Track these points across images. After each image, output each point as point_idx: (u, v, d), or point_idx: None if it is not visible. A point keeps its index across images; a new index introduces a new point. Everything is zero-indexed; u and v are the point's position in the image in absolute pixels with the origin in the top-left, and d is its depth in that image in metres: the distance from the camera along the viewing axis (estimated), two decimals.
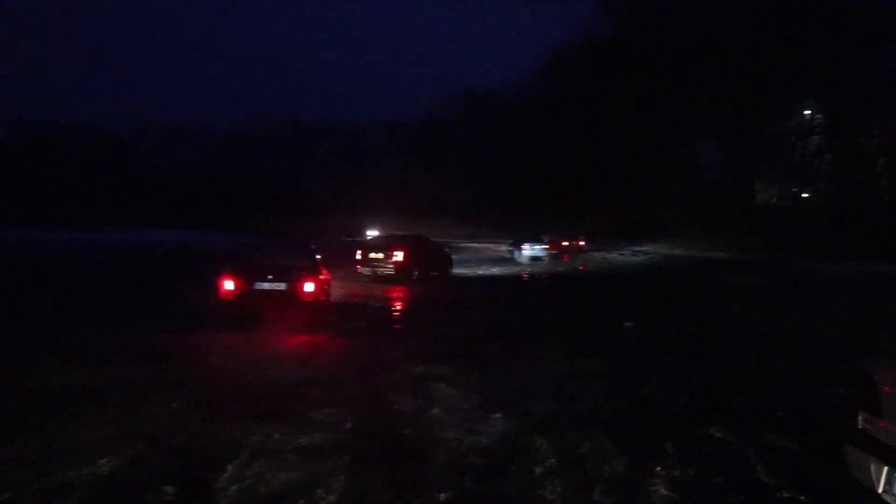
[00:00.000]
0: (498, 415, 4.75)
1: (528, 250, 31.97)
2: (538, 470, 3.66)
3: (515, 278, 19.59)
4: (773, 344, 8.33)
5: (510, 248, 35.08)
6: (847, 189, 26.21)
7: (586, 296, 14.72)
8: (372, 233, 61.18)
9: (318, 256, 10.08)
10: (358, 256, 17.28)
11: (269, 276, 8.78)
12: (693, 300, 13.34)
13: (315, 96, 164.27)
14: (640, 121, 42.07)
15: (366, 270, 16.86)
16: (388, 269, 16.37)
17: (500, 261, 29.80)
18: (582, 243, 42.45)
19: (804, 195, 36.99)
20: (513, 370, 6.40)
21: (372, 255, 16.78)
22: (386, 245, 16.93)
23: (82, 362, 6.34)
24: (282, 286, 8.73)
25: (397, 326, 9.46)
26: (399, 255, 16.35)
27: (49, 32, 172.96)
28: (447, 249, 20.84)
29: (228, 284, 8.69)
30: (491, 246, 34.54)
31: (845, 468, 2.64)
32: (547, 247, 34.75)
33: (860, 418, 2.61)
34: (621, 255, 33.92)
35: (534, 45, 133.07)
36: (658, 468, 3.66)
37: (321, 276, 9.32)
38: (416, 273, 16.75)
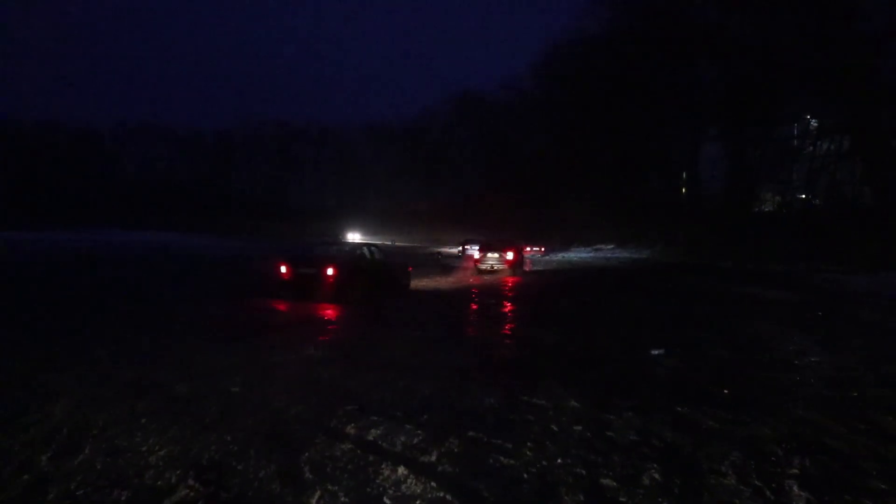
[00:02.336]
0: None
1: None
2: None
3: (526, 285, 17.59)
4: (865, 388, 6.26)
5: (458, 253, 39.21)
6: (876, 193, 24.37)
7: (594, 310, 12.66)
8: (353, 236, 59.33)
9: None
10: (477, 255, 23.41)
11: (306, 264, 12.56)
12: (719, 318, 11.30)
13: (305, 98, 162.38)
14: (636, 121, 40.27)
15: (484, 266, 22.82)
16: (502, 265, 22.59)
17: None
18: (528, 250, 39.78)
19: (815, 201, 35.13)
20: (515, 437, 4.29)
21: (489, 254, 22.88)
22: (500, 247, 23.01)
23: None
24: (313, 271, 12.22)
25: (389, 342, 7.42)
26: (511, 255, 22.68)
27: (36, 32, 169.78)
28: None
29: (283, 269, 12.53)
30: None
31: None
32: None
33: None
34: (622, 263, 31.91)
35: (528, 46, 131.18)
36: None
37: (345, 266, 12.48)
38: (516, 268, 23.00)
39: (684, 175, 45.34)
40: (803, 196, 39.31)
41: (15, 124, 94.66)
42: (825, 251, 26.79)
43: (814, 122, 35.94)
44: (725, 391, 5.77)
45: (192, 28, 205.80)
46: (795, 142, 37.09)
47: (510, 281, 19.51)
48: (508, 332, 9.08)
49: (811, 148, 33.52)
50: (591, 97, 42.25)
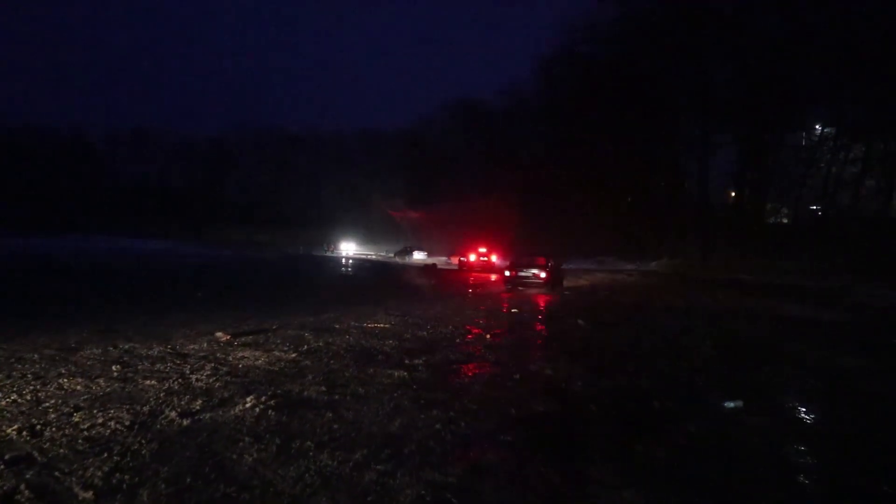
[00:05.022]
0: None
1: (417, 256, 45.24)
2: None
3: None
4: None
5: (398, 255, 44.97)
6: None
7: (623, 336, 10.50)
8: (348, 245, 57.09)
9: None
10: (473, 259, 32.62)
11: (528, 268, 19.53)
12: (782, 349, 9.13)
13: (301, 105, 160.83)
14: (643, 126, 38.28)
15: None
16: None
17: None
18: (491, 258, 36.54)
19: (831, 211, 33.02)
20: None
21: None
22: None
23: None
24: (530, 273, 19.61)
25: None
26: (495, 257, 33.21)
27: (25, 34, 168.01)
28: None
29: (508, 272, 20.02)
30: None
31: None
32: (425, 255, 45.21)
33: None
34: (630, 276, 29.76)
35: (528, 51, 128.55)
36: None
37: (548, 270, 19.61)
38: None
39: (685, 185, 43.30)
40: (814, 207, 37.46)
41: (3, 128, 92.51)
42: (852, 264, 24.81)
43: (828, 130, 34.01)
44: (885, 488, 3.65)
45: (186, 33, 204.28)
46: (804, 151, 35.16)
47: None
48: (526, 371, 6.93)
49: (830, 154, 31.47)
50: (596, 100, 40.21)
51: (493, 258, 36.16)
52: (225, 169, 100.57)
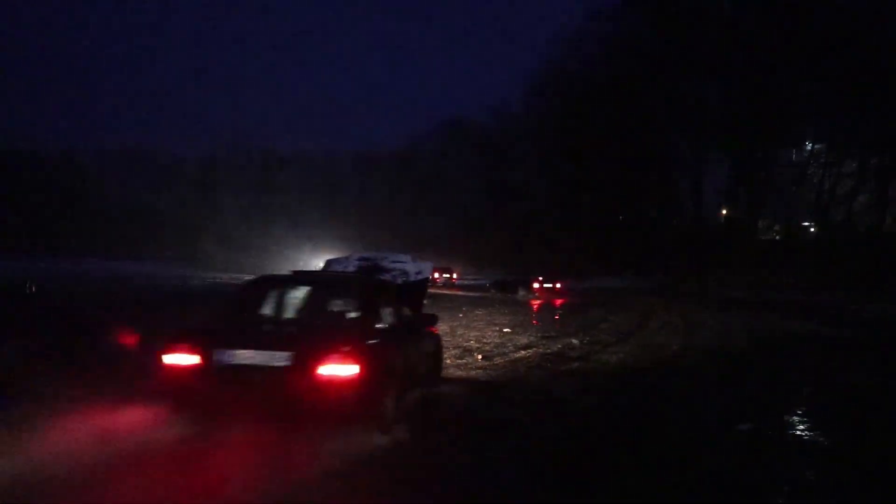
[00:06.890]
0: None
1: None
2: None
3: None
4: None
5: None
6: None
7: (621, 348, 10.06)
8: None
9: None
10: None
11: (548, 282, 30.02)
12: (792, 365, 8.76)
13: (291, 126, 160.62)
14: (635, 142, 38.29)
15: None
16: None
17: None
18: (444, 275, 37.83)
19: (824, 228, 32.99)
20: None
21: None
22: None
23: None
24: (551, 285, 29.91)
25: None
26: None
27: (11, 53, 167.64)
28: None
29: (535, 284, 28.96)
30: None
31: None
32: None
33: None
34: (622, 294, 29.48)
35: (522, 69, 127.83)
36: None
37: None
38: None
39: (678, 202, 43.29)
40: (806, 223, 37.52)
41: None
42: (847, 280, 24.64)
43: (819, 146, 34.19)
44: None
45: (176, 55, 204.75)
46: (796, 167, 35.28)
47: None
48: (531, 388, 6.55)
49: (822, 170, 31.60)
50: (586, 117, 40.20)
51: (454, 276, 38.70)
52: (215, 190, 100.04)
